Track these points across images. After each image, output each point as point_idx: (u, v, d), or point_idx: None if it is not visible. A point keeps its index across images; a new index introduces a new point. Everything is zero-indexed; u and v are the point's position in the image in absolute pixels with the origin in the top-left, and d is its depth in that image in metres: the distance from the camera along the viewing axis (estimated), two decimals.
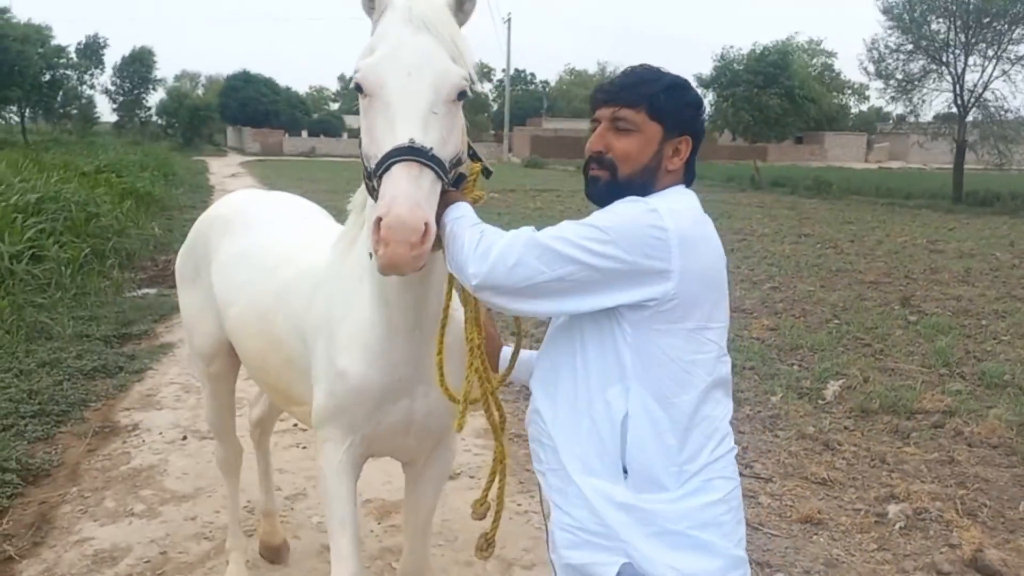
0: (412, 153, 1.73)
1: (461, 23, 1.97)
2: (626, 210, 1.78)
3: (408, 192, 1.69)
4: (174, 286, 10.08)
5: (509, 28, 61.42)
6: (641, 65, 1.95)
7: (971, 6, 23.78)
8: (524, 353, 2.23)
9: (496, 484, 2.23)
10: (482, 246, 1.79)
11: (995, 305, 9.47)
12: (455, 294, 2.15)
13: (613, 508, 1.77)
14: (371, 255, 1.84)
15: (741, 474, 4.58)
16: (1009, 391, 6.20)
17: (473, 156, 2.04)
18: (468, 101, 1.98)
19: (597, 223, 1.76)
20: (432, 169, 1.76)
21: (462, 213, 1.89)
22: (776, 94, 32.43)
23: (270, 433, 4.06)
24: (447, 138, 1.84)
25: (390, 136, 1.77)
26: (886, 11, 25.80)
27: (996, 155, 25.36)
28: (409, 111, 1.78)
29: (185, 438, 5.05)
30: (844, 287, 10.47)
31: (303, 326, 2.49)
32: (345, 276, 2.32)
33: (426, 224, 1.69)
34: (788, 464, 4.83)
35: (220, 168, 36.45)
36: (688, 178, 1.97)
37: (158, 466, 4.63)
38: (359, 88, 1.86)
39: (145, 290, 9.49)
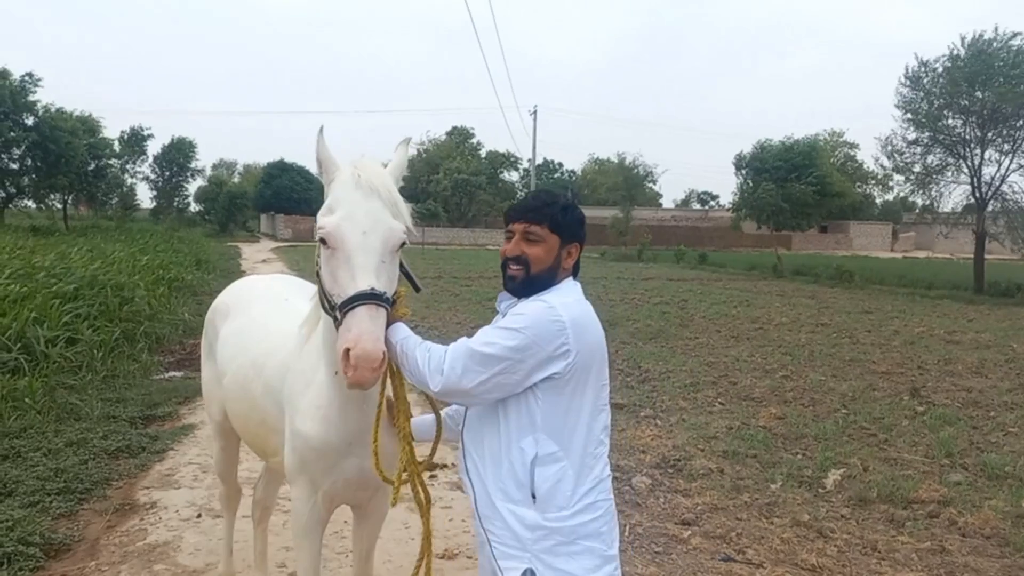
0: (371, 298, 2.26)
1: (397, 180, 2.52)
2: (531, 310, 2.38)
3: (370, 329, 2.21)
4: (199, 369, 10.46)
5: (535, 120, 63.31)
6: (543, 191, 2.69)
7: (986, 103, 24.30)
8: (419, 419, 2.81)
9: (425, 561, 2.74)
10: (433, 362, 2.38)
11: (1006, 397, 9.52)
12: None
13: (524, 527, 2.37)
14: (336, 372, 2.34)
15: (733, 560, 4.74)
16: (1009, 483, 6.26)
17: (407, 275, 2.61)
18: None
19: (512, 325, 2.35)
20: (385, 308, 2.30)
21: (406, 334, 2.47)
22: (808, 183, 33.21)
23: (270, 513, 4.47)
24: (391, 279, 2.40)
25: (352, 283, 2.28)
26: (903, 105, 26.43)
27: (1020, 245, 25.44)
28: (367, 264, 2.30)
29: (200, 516, 5.29)
30: (855, 377, 10.57)
31: (277, 394, 3.01)
32: (307, 355, 2.84)
33: (383, 353, 2.23)
34: (780, 551, 4.94)
35: (252, 254, 37.47)
36: (575, 272, 2.59)
37: (172, 542, 4.86)
38: (323, 241, 2.38)
39: (172, 373, 9.86)
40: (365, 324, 2.21)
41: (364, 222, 2.33)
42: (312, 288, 4.08)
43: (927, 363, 11.80)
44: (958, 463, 6.80)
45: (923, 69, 26.07)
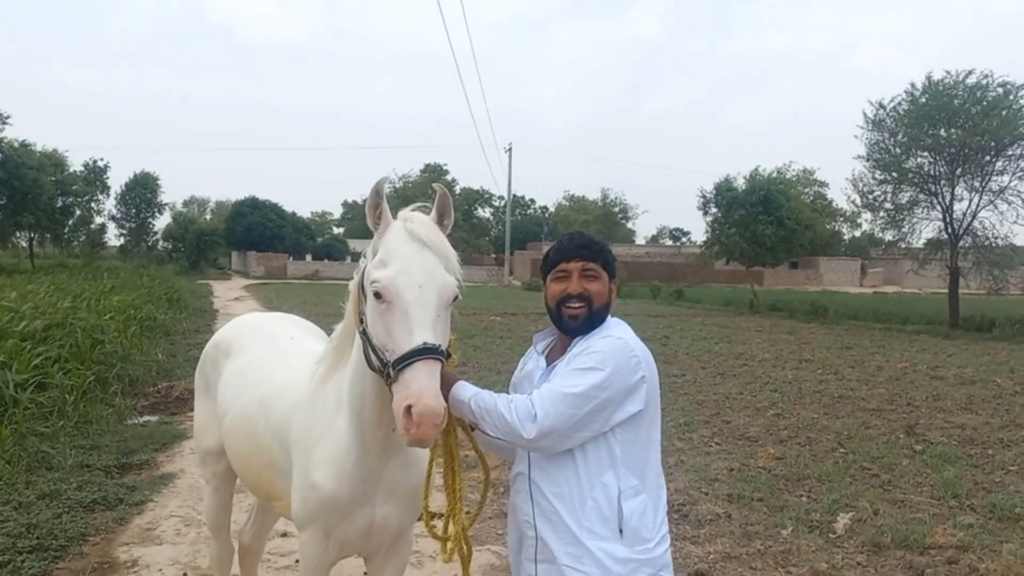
0: (429, 352, 2.19)
1: (445, 233, 2.48)
2: (604, 347, 2.44)
3: (430, 385, 2.15)
4: (175, 413, 10.00)
5: (510, 157, 63.63)
6: (578, 232, 2.75)
7: (952, 141, 24.67)
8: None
9: None
10: (521, 410, 2.35)
11: (1000, 434, 9.43)
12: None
13: (615, 563, 2.37)
14: (394, 430, 2.26)
15: None
16: (1022, 525, 6.11)
17: None
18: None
19: (591, 364, 2.39)
20: (441, 361, 2.25)
21: (474, 391, 2.45)
22: (771, 223, 33.46)
23: (259, 556, 4.34)
24: (445, 333, 2.34)
25: (409, 338, 2.22)
26: (869, 149, 26.76)
27: (990, 280, 25.72)
28: (423, 318, 2.25)
29: (185, 575, 4.94)
30: (847, 414, 10.44)
31: (285, 437, 2.91)
32: (323, 401, 2.74)
33: (444, 408, 2.18)
34: None
35: (224, 292, 36.82)
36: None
37: None
38: (377, 295, 2.31)
39: (147, 417, 9.45)
40: (423, 380, 2.15)
41: (419, 276, 2.29)
42: (311, 326, 3.95)
43: (916, 399, 11.73)
44: (966, 504, 6.65)
45: (882, 112, 26.46)
